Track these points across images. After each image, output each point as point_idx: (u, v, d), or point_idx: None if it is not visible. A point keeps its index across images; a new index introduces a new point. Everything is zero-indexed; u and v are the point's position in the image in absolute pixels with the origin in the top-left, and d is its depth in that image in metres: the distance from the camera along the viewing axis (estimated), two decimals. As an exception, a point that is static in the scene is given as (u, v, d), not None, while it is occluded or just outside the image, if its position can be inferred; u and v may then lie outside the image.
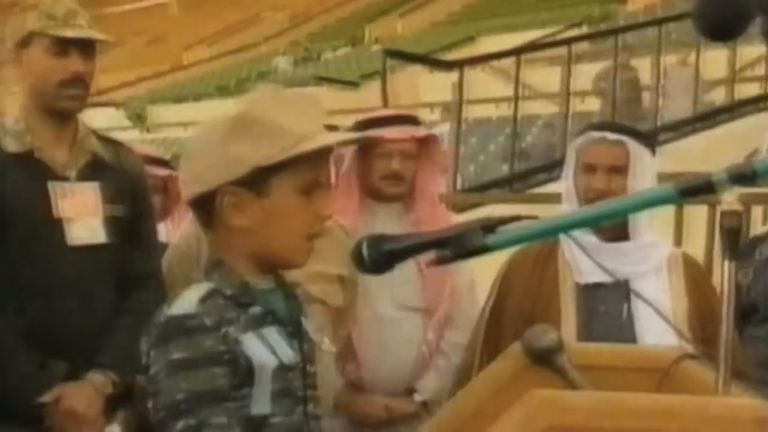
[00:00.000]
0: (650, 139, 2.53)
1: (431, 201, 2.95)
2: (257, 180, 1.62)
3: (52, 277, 2.51)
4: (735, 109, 11.62)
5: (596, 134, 2.51)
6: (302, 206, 1.64)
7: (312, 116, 1.69)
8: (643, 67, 11.45)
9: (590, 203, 2.37)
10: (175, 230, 3.48)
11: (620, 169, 2.46)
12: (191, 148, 1.69)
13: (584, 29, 19.65)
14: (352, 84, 18.50)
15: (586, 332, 2.41)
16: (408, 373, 2.90)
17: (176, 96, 23.06)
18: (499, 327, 2.51)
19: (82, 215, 2.56)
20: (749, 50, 12.43)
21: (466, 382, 2.48)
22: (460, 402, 1.78)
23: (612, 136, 2.48)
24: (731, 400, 1.29)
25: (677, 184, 1.24)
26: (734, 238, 1.24)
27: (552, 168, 10.00)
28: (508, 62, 12.74)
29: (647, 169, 2.47)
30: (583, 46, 12.79)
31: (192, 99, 22.76)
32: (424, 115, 11.85)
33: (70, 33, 2.55)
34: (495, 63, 12.11)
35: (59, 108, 2.58)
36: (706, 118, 11.15)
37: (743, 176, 1.21)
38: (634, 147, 2.47)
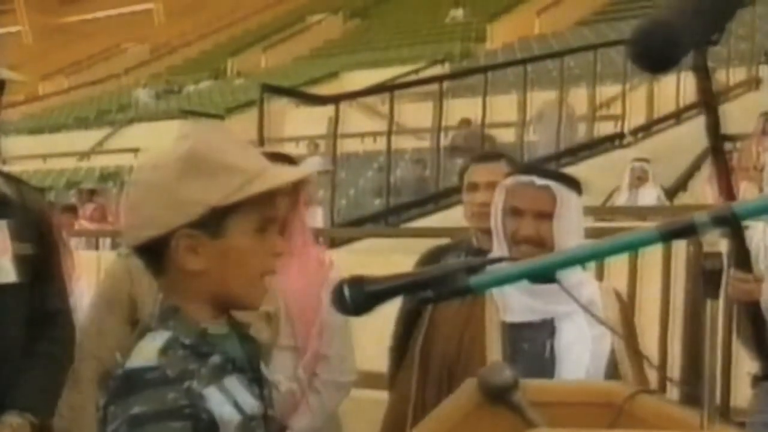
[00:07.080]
0: (577, 182, 2.52)
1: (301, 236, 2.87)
2: (213, 221, 1.55)
3: None
4: (595, 146, 12.04)
5: (524, 178, 2.49)
6: (258, 244, 1.58)
7: (254, 152, 1.65)
8: (510, 102, 11.75)
9: (518, 245, 2.39)
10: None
11: (547, 215, 2.45)
12: (136, 191, 1.60)
13: (446, 66, 20.04)
14: (218, 117, 18.31)
15: None
16: (278, 412, 2.85)
17: (32, 127, 22.36)
18: (427, 362, 2.52)
19: None
20: (607, 89, 12.96)
21: (402, 419, 2.49)
22: (416, 441, 1.78)
23: (539, 181, 2.47)
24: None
25: (660, 227, 1.28)
26: (716, 279, 1.28)
27: (425, 202, 10.16)
28: (373, 97, 12.90)
29: (573, 212, 2.48)
30: (448, 83, 13.08)
31: (49, 131, 22.10)
32: (290, 148, 11.86)
33: (5, 75, 2.47)
34: (361, 98, 12.23)
35: None
36: (570, 154, 11.49)
37: (724, 219, 1.26)
38: (561, 191, 2.48)
